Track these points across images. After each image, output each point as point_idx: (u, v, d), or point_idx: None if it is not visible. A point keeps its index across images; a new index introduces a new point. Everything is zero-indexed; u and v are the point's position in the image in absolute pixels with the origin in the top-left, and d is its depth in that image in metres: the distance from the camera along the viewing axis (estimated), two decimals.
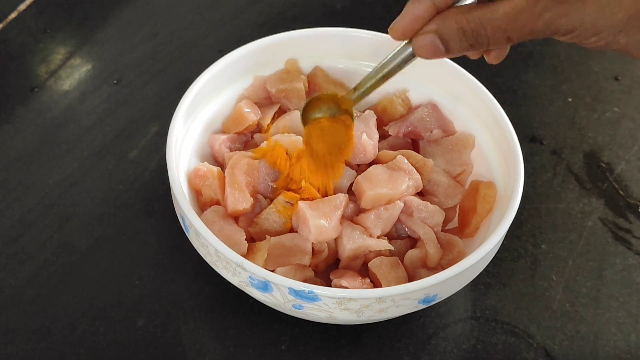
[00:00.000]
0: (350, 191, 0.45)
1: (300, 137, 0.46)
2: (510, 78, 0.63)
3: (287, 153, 0.46)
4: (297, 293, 0.38)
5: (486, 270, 0.42)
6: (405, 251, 0.44)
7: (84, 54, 0.63)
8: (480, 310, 0.47)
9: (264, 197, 0.45)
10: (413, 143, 0.50)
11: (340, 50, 0.52)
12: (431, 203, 0.45)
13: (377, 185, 0.44)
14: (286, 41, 0.51)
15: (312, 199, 0.44)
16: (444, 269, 0.40)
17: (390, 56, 0.40)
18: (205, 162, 0.46)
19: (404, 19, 0.38)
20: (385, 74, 0.41)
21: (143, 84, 0.61)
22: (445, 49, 0.37)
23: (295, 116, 0.48)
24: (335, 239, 0.44)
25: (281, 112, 0.50)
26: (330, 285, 0.42)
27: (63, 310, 0.46)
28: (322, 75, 0.52)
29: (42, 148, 0.55)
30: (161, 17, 0.67)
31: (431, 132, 0.49)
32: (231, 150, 0.48)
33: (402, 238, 0.46)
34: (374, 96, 0.53)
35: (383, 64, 0.40)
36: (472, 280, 0.41)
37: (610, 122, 0.60)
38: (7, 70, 0.62)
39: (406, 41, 0.39)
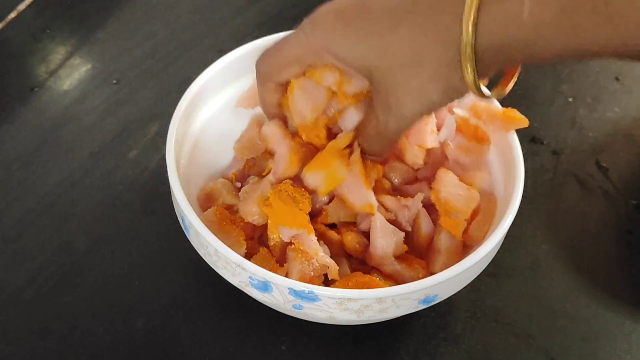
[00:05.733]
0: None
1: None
2: None
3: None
4: (297, 293, 0.38)
5: (486, 270, 0.42)
6: None
7: (83, 53, 0.63)
8: (480, 310, 0.47)
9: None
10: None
11: None
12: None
13: None
14: None
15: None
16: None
17: None
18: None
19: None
20: None
21: (143, 84, 0.61)
22: None
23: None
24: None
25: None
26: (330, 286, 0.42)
27: (63, 310, 0.46)
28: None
29: (41, 148, 0.55)
30: (161, 17, 0.67)
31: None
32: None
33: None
34: None
35: None
36: (472, 280, 0.41)
37: (611, 122, 0.60)
38: (7, 70, 0.61)
39: None
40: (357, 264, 0.44)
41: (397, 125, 0.38)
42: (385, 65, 0.36)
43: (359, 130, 0.42)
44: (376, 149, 0.42)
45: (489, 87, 0.38)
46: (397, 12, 0.35)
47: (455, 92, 0.36)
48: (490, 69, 0.35)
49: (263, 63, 0.42)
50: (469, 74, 0.34)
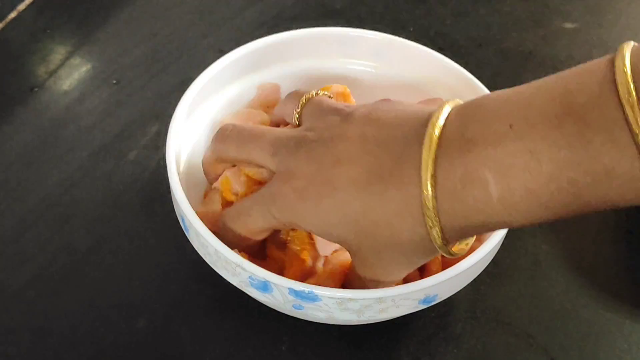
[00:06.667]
0: None
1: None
2: (510, 77, 0.63)
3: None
4: (297, 293, 0.38)
5: (486, 270, 0.42)
6: None
7: (83, 53, 0.63)
8: (480, 310, 0.47)
9: None
10: None
11: (340, 50, 0.52)
12: None
13: None
14: (286, 41, 0.51)
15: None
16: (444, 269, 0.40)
17: None
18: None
19: None
20: None
21: (143, 84, 0.61)
22: None
23: None
24: None
25: None
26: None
27: (63, 311, 0.46)
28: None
29: (41, 148, 0.55)
30: (161, 17, 0.67)
31: None
32: None
33: None
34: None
35: None
36: (473, 280, 0.41)
37: None
38: (7, 70, 0.61)
39: None
40: None
41: (384, 285, 0.38)
42: (365, 246, 0.35)
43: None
44: None
45: None
46: (365, 183, 0.33)
47: (437, 253, 0.35)
48: (462, 238, 0.35)
49: (225, 229, 0.41)
50: (439, 251, 0.34)
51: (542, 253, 0.51)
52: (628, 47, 0.28)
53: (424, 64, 0.51)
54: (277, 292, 0.38)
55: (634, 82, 0.27)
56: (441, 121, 0.32)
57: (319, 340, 0.45)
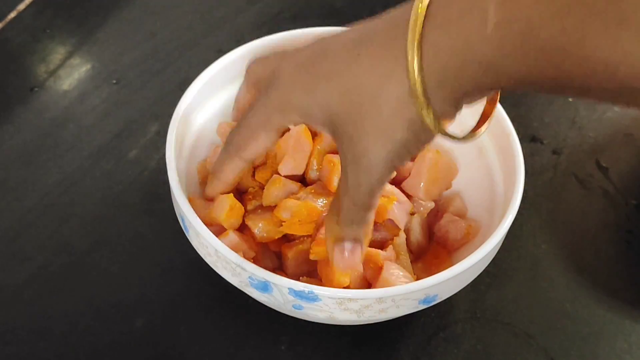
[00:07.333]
0: None
1: None
2: None
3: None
4: (297, 293, 0.38)
5: (486, 270, 0.42)
6: None
7: (83, 53, 0.63)
8: (480, 310, 0.47)
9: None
10: None
11: None
12: None
13: None
14: (286, 41, 0.51)
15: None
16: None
17: None
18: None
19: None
20: None
21: (143, 84, 0.61)
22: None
23: None
24: None
25: None
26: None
27: (62, 311, 0.46)
28: None
29: (41, 148, 0.55)
30: (161, 17, 0.67)
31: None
32: None
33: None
34: None
35: None
36: (472, 281, 0.41)
37: (611, 122, 0.60)
38: (7, 70, 0.61)
39: None
40: None
41: (368, 183, 0.33)
42: (345, 110, 0.32)
43: (332, 210, 0.37)
44: (354, 225, 0.36)
45: None
46: (354, 46, 0.32)
47: (421, 130, 0.31)
48: (456, 101, 0.31)
49: (232, 139, 0.39)
50: (423, 107, 0.30)
51: (542, 253, 0.51)
52: None
53: None
54: (277, 292, 0.38)
55: None
56: None
57: (319, 340, 0.45)
